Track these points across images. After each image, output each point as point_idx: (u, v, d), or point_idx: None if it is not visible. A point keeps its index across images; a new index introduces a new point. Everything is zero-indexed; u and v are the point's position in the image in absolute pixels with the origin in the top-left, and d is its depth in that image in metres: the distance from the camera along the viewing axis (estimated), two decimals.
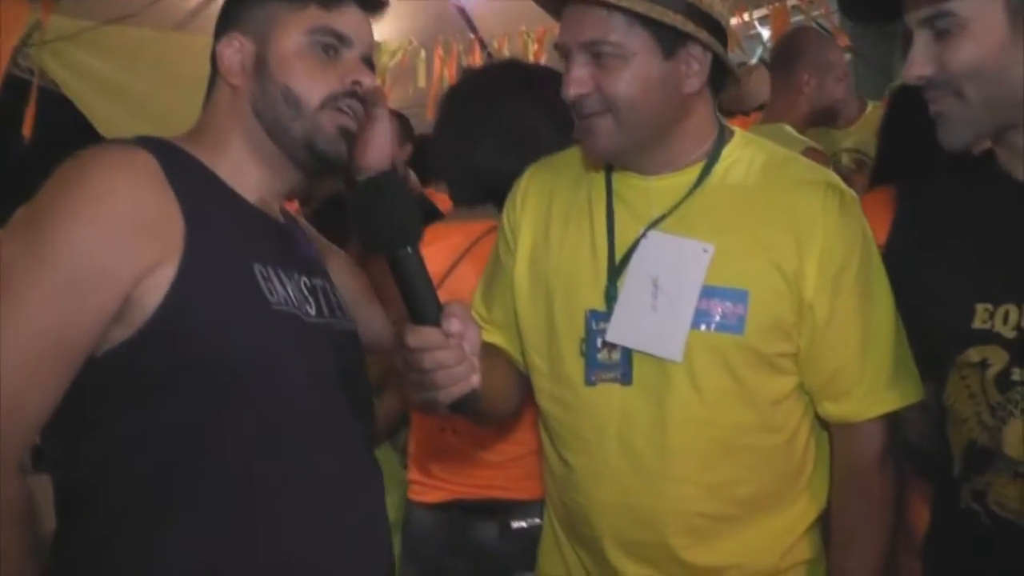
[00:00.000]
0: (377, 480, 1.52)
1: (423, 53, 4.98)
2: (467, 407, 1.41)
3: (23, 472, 1.24)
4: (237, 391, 1.30)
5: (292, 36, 1.45)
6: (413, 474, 2.21)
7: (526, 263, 1.71)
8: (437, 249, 2.06)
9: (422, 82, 4.90)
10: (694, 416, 1.56)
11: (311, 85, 1.44)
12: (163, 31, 4.46)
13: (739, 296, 1.54)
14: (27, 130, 4.54)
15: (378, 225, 1.35)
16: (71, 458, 1.32)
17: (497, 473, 2.08)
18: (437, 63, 4.85)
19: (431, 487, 2.16)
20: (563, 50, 1.56)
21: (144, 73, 4.52)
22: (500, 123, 2.08)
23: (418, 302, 1.35)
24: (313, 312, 1.46)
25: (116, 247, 1.26)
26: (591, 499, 1.63)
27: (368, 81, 1.48)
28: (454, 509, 2.12)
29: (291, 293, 1.41)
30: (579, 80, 1.53)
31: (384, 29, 5.10)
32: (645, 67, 1.52)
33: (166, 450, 1.28)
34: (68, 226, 1.25)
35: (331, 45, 1.46)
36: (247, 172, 1.46)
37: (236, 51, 1.46)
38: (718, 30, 1.55)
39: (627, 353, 1.59)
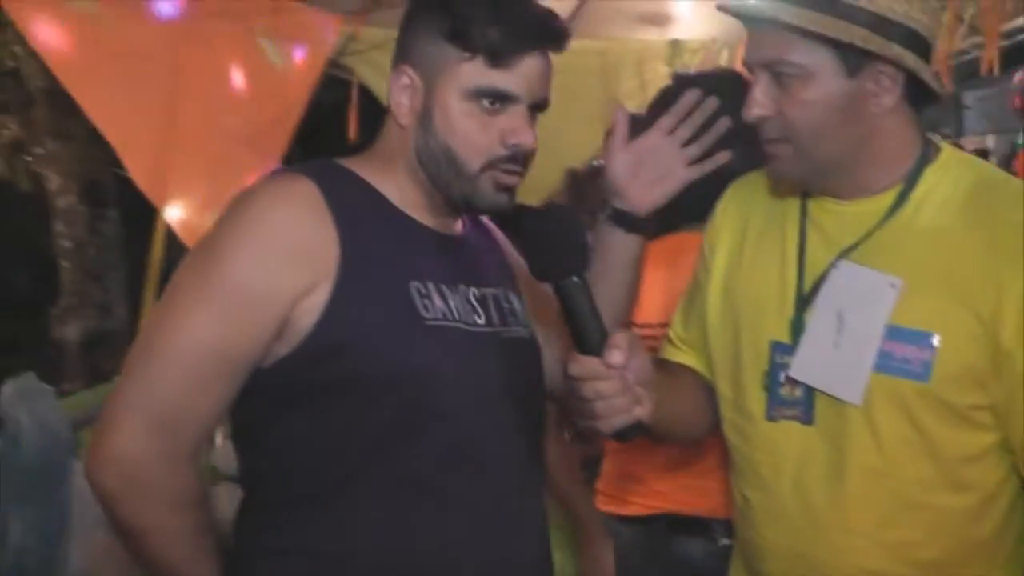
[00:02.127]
0: (537, 481, 1.58)
1: (725, 53, 4.90)
2: (631, 437, 1.42)
3: (194, 468, 1.41)
4: (392, 398, 1.41)
5: (456, 91, 1.47)
6: (607, 486, 2.24)
7: (720, 285, 1.69)
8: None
9: None
10: (872, 466, 1.48)
11: (471, 149, 1.47)
12: None
13: (925, 339, 1.43)
14: (352, 132, 4.99)
15: (545, 254, 1.39)
16: (247, 456, 1.51)
17: (704, 489, 2.06)
18: (739, 64, 4.75)
19: (630, 500, 2.18)
20: (747, 68, 1.54)
21: None
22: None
23: (582, 331, 1.37)
24: (481, 321, 1.53)
25: (272, 273, 1.39)
26: (764, 538, 1.60)
27: (528, 142, 1.49)
28: (658, 523, 2.13)
29: (453, 306, 1.49)
30: (759, 102, 1.50)
31: (686, 29, 5.09)
32: (827, 87, 1.45)
33: (327, 448, 1.42)
34: (230, 253, 1.39)
35: (495, 101, 1.47)
36: (413, 195, 1.54)
37: (405, 87, 1.51)
38: (915, 40, 1.45)
39: (809, 391, 1.53)
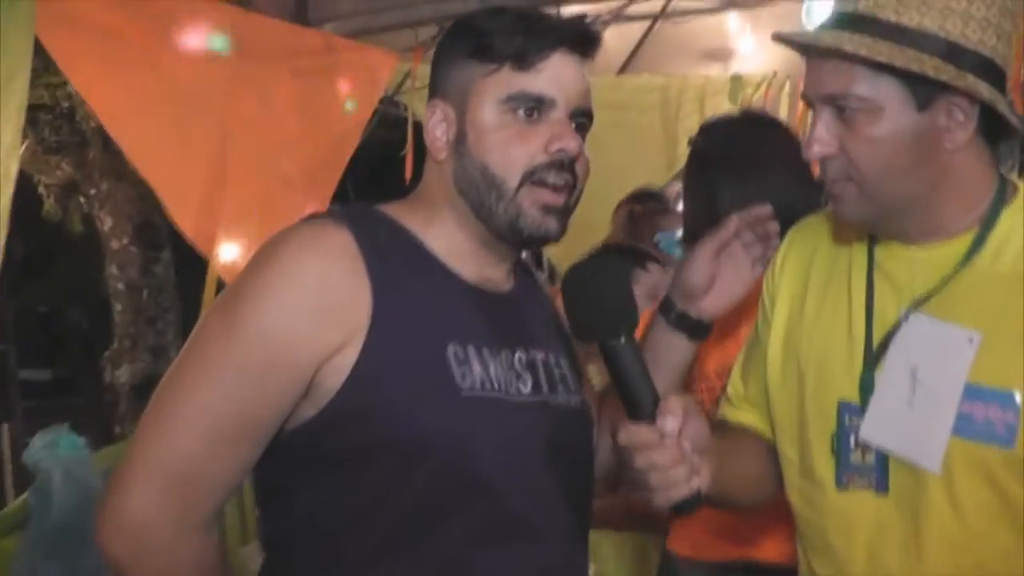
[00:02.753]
0: (582, 553, 1.50)
1: (788, 86, 4.81)
2: (689, 509, 1.34)
3: (209, 534, 1.35)
4: (421, 471, 1.34)
5: (487, 105, 1.41)
6: (683, 529, 2.17)
7: (781, 338, 1.59)
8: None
9: (785, 117, 4.72)
10: (953, 538, 1.37)
11: (508, 162, 1.40)
12: None
13: (1008, 399, 1.32)
14: (408, 173, 4.96)
15: (588, 311, 1.32)
16: (269, 520, 1.44)
17: (784, 534, 1.95)
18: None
19: (708, 544, 2.11)
20: (807, 103, 1.44)
21: None
22: (789, 153, 1.96)
23: (632, 396, 1.30)
24: (527, 389, 1.45)
25: (299, 330, 1.31)
26: None
27: (572, 147, 1.41)
28: (736, 570, 2.07)
29: (494, 373, 1.41)
30: (821, 139, 1.40)
31: (749, 64, 5.02)
32: (895, 122, 1.36)
33: (352, 519, 1.35)
34: (253, 307, 1.32)
35: (531, 109, 1.40)
36: (460, 245, 1.46)
37: (439, 121, 1.45)
38: (990, 69, 1.35)
39: (882, 456, 1.43)
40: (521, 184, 1.40)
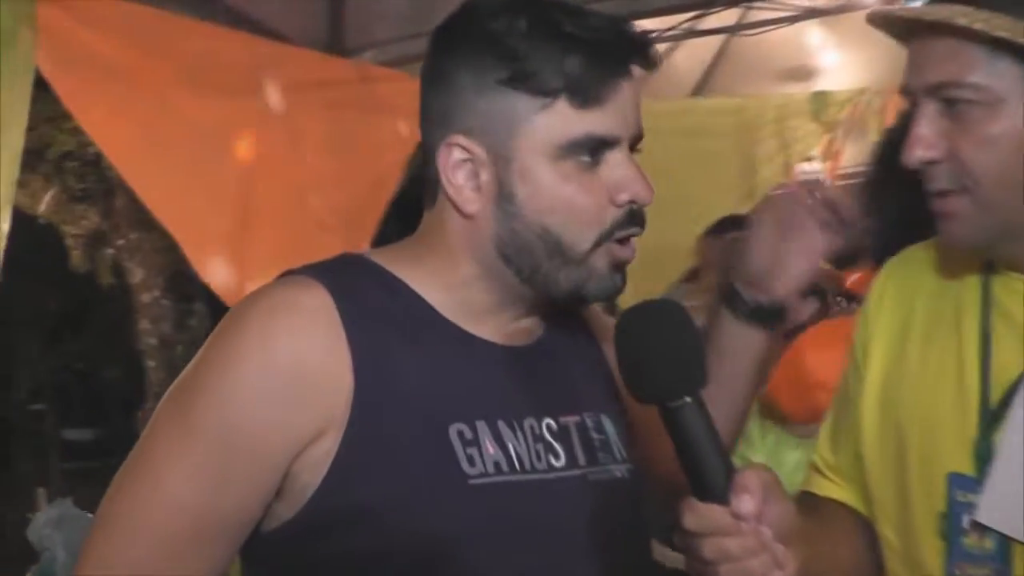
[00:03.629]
0: None
1: (876, 103, 4.68)
2: None
3: None
4: None
5: (542, 152, 1.24)
6: None
7: (876, 395, 1.45)
8: None
9: (875, 136, 4.59)
10: None
11: (578, 223, 1.25)
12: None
13: None
14: None
15: (647, 368, 1.18)
16: None
17: None
18: (890, 115, 4.52)
19: None
20: (908, 98, 1.31)
21: None
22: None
23: (699, 470, 1.16)
24: (560, 462, 1.31)
25: (264, 419, 1.19)
26: None
27: (647, 195, 1.28)
28: None
29: (514, 449, 1.27)
30: (924, 140, 1.27)
31: (833, 82, 4.93)
32: (1018, 118, 1.22)
33: None
34: (212, 390, 1.20)
35: (594, 152, 1.26)
36: (478, 302, 1.32)
37: (461, 162, 1.27)
38: None
39: (1004, 542, 1.29)
40: (596, 245, 1.27)
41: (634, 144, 1.30)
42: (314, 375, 1.20)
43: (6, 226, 2.65)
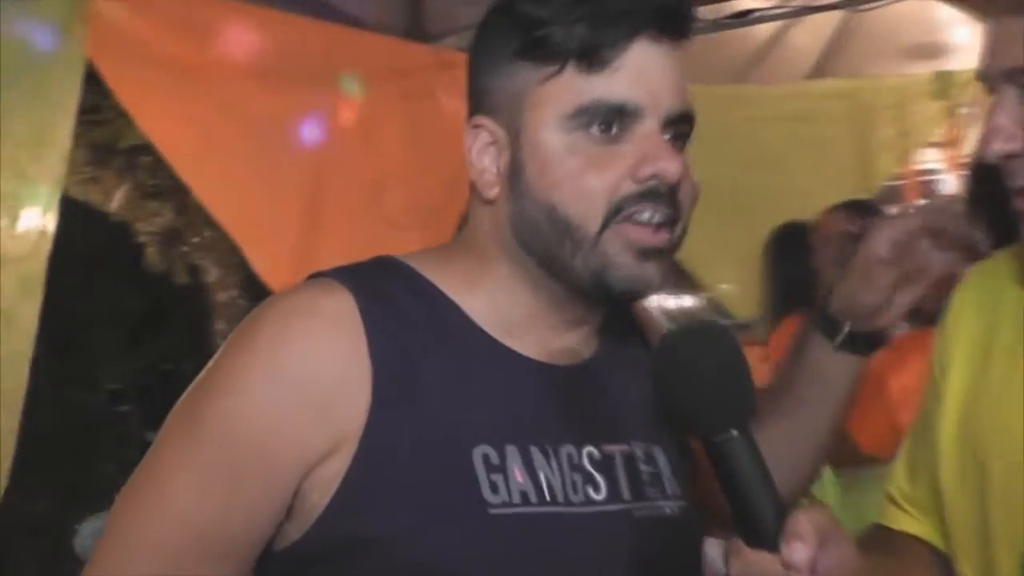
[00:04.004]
0: None
1: None
2: None
3: None
4: None
5: (549, 122, 1.21)
6: None
7: (955, 419, 1.40)
8: None
9: None
10: None
11: (584, 199, 1.20)
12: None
13: None
14: None
15: (688, 397, 1.14)
16: None
17: None
18: None
19: None
20: (986, 84, 1.26)
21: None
22: None
23: (746, 511, 1.12)
24: (600, 495, 1.26)
25: (274, 429, 1.16)
26: None
27: (673, 167, 1.20)
28: None
29: (546, 478, 1.23)
30: (1003, 131, 1.22)
31: (963, 57, 4.72)
32: None
33: None
34: (220, 397, 1.18)
35: (609, 123, 1.21)
36: (516, 310, 1.28)
37: (485, 146, 1.26)
38: None
39: None
40: (604, 226, 1.21)
41: (674, 124, 1.24)
42: (329, 386, 1.17)
43: (52, 226, 2.67)
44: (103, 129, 5.07)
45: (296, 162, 3.43)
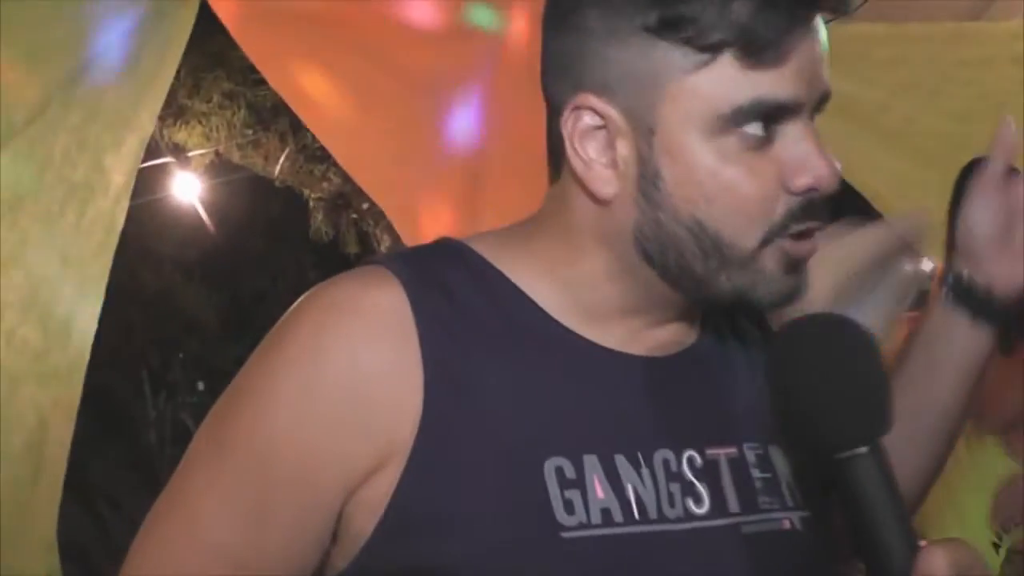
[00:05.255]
0: None
1: None
2: None
3: None
4: None
5: (694, 122, 1.08)
6: None
7: None
8: None
9: None
10: None
11: (744, 219, 1.10)
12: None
13: None
14: None
15: (808, 408, 1.04)
16: None
17: None
18: None
19: None
20: None
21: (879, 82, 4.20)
22: None
23: (871, 541, 1.03)
24: (703, 509, 1.16)
25: (309, 442, 1.08)
26: None
27: (832, 177, 1.11)
28: None
29: (634, 492, 1.13)
30: None
31: None
32: None
33: None
34: (250, 407, 1.11)
35: (768, 125, 1.09)
36: (599, 304, 1.17)
37: (592, 131, 1.11)
38: None
39: None
40: (763, 245, 1.12)
41: (818, 107, 1.14)
42: (374, 393, 1.09)
43: (121, 220, 2.50)
44: (265, 92, 4.88)
45: (455, 131, 3.14)
